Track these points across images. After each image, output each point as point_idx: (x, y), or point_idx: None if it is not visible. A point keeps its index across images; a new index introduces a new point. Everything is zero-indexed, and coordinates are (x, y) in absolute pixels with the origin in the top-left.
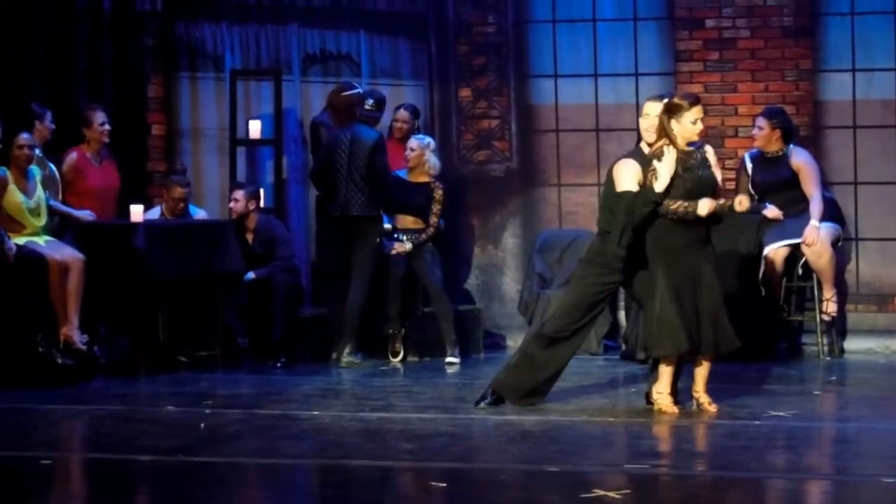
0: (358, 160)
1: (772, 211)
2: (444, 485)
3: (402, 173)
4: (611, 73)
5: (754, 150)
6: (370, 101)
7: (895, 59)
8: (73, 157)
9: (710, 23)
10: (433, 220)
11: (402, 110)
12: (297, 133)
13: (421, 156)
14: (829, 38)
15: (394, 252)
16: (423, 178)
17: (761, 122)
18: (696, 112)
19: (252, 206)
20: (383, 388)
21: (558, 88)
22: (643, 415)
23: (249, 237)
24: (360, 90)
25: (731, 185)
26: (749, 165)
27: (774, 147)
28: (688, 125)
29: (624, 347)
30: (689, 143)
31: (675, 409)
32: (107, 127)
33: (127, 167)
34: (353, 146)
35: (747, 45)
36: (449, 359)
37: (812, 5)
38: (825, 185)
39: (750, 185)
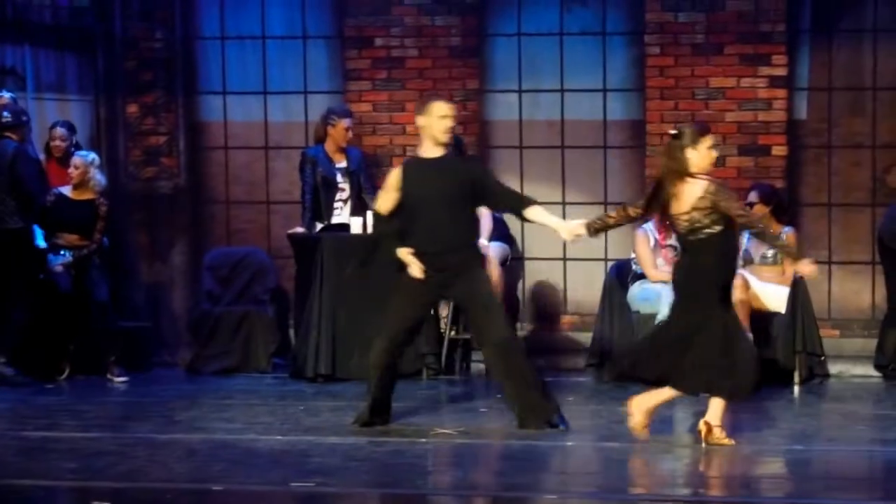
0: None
1: None
2: None
3: (65, 190)
4: (280, 90)
5: None
6: (6, 114)
7: (560, 80)
8: None
9: (378, 42)
10: (96, 236)
11: (57, 128)
12: None
13: (85, 173)
14: (495, 58)
15: (57, 268)
16: (88, 196)
17: None
18: (711, 138)
19: None
20: (48, 406)
21: (227, 105)
22: (312, 432)
23: None
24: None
25: None
26: None
27: None
28: (705, 152)
29: (294, 365)
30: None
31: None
32: None
33: None
34: None
35: (415, 64)
36: (115, 376)
37: (479, 26)
38: None
39: None
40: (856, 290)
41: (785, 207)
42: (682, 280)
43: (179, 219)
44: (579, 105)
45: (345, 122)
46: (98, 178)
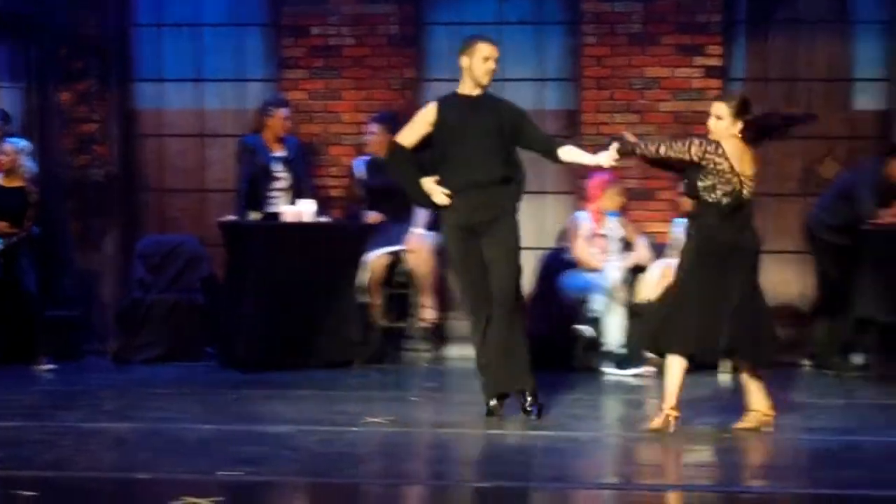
0: None
1: (373, 216)
2: (34, 494)
3: None
4: (216, 78)
5: (366, 156)
6: None
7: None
8: None
9: (315, 30)
10: (26, 224)
11: None
12: None
13: (15, 160)
14: (433, 46)
15: None
16: (18, 183)
17: (374, 127)
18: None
19: None
20: None
21: (162, 93)
22: (241, 421)
23: None
24: None
25: (336, 192)
26: (361, 172)
27: None
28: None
29: (225, 354)
30: None
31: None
32: None
33: None
34: None
35: (352, 52)
36: (43, 365)
37: (417, 14)
38: None
39: (364, 191)
40: (786, 280)
41: None
42: (732, 243)
43: (112, 207)
44: (516, 94)
45: (282, 112)
46: (28, 165)
